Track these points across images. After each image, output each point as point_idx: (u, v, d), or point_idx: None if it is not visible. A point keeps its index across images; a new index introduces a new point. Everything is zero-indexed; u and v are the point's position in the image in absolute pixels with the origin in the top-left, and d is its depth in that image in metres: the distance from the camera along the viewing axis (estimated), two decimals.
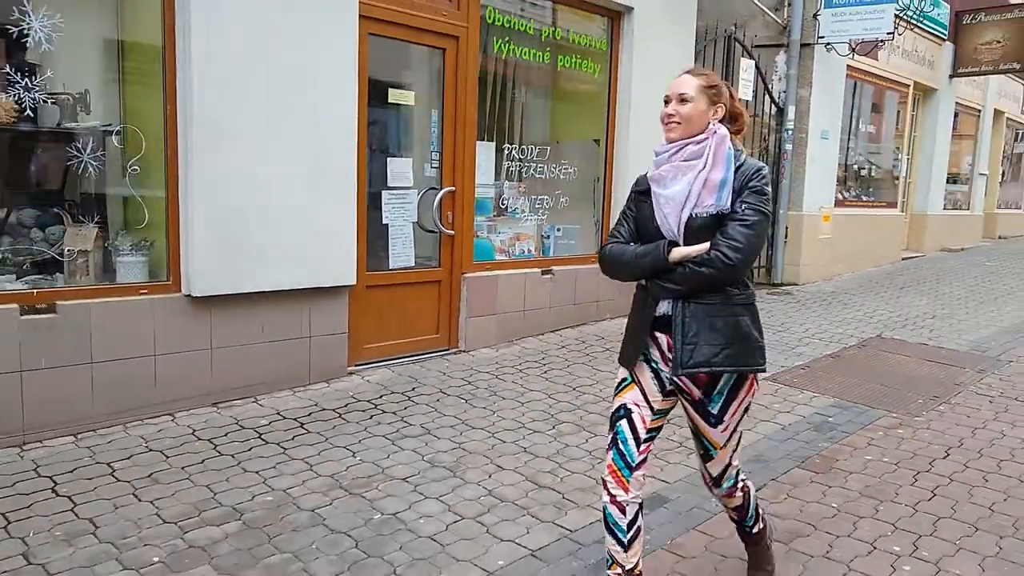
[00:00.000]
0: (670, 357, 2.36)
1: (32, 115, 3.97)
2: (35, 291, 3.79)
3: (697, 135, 2.34)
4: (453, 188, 5.61)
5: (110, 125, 4.23)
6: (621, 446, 2.39)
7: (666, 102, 2.39)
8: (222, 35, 4.10)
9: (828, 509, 3.42)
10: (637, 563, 2.41)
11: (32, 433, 3.74)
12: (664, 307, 2.39)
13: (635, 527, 2.37)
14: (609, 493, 2.38)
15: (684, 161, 2.33)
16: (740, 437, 2.52)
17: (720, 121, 2.39)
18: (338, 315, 4.88)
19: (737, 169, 2.32)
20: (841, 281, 9.83)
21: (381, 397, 4.69)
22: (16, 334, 3.67)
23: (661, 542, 3.05)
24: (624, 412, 2.42)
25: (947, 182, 13.80)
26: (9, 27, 3.79)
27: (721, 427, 2.43)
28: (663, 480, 3.64)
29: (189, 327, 4.23)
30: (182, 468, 3.59)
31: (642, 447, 2.38)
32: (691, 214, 2.31)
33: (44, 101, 3.94)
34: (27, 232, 4.11)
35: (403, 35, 5.21)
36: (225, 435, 3.99)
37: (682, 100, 2.35)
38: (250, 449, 3.84)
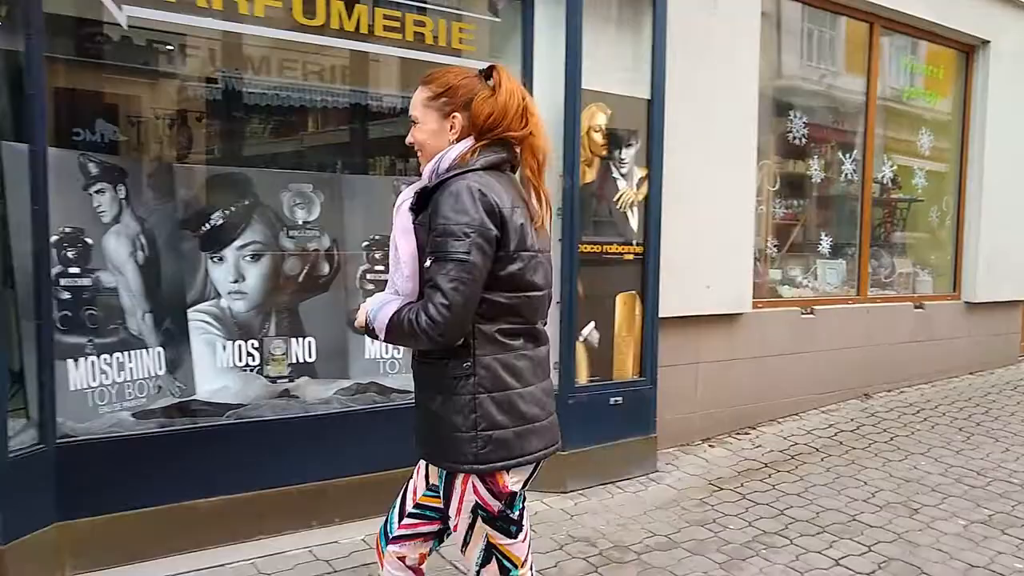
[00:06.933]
0: None
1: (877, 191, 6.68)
2: (916, 295, 6.43)
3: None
4: None
5: (912, 196, 6.85)
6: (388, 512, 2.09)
7: None
8: (999, 155, 6.65)
9: None
10: None
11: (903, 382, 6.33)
12: None
13: None
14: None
15: None
16: (484, 554, 1.92)
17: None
18: None
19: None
20: None
21: None
22: (911, 321, 6.30)
23: None
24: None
25: None
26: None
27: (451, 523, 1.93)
28: None
29: (962, 323, 6.74)
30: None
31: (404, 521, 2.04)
32: None
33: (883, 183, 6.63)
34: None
35: None
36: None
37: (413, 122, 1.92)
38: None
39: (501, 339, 1.84)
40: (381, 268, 4.11)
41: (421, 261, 1.81)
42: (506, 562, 1.93)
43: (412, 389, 3.84)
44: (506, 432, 1.82)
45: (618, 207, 4.24)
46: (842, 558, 3.42)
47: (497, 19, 4.05)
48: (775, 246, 5.73)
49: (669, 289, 4.47)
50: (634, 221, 4.30)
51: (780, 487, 4.25)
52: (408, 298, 1.84)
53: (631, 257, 4.29)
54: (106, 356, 3.31)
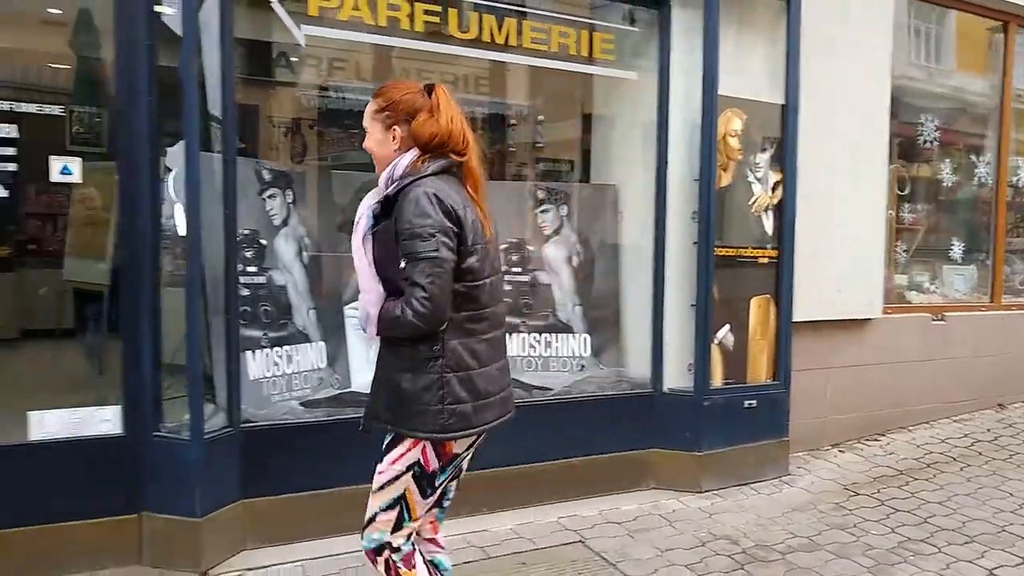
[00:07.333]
0: None
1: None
2: None
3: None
4: None
5: None
6: None
7: None
8: None
9: None
10: None
11: None
12: None
13: None
14: None
15: None
16: (390, 510, 2.13)
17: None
18: None
19: None
20: None
21: None
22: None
23: None
24: None
25: None
26: None
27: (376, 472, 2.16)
28: None
29: None
30: None
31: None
32: None
33: None
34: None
35: None
36: None
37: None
38: None
39: (467, 325, 2.07)
40: (518, 269, 4.27)
41: (379, 266, 2.04)
42: (406, 512, 2.14)
43: (549, 386, 4.03)
44: (466, 407, 2.06)
45: (753, 211, 4.27)
46: (996, 568, 3.36)
47: (635, 28, 4.16)
48: (903, 251, 5.62)
49: (800, 293, 4.46)
50: (768, 225, 4.32)
51: (920, 495, 4.18)
52: (378, 297, 2.06)
53: (766, 261, 4.31)
54: (278, 349, 3.57)
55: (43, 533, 2.95)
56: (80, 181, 3.07)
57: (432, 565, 2.30)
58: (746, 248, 4.25)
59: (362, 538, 2.18)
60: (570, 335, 4.31)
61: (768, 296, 4.34)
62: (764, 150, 4.28)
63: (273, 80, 4.41)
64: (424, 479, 2.12)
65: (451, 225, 1.99)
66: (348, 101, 4.44)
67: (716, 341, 4.18)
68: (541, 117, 5.05)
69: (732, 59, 4.12)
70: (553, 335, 4.29)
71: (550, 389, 4.07)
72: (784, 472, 4.42)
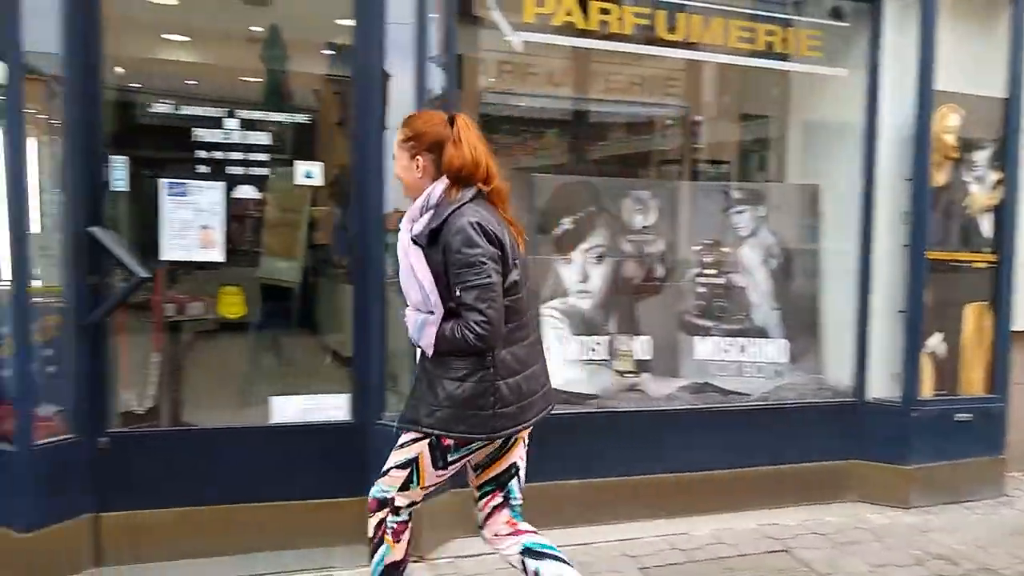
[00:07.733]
0: None
1: None
2: None
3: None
4: None
5: None
6: None
7: None
8: None
9: None
10: None
11: None
12: None
13: None
14: None
15: None
16: (402, 468, 2.28)
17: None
18: None
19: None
20: None
21: None
22: None
23: None
24: None
25: None
26: None
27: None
28: None
29: None
30: None
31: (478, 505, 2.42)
32: None
33: None
34: None
35: None
36: None
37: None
38: None
39: (512, 335, 2.18)
40: (712, 271, 4.22)
41: (438, 282, 2.13)
42: (415, 475, 2.27)
43: (746, 391, 3.96)
44: (513, 408, 2.18)
45: (969, 212, 4.02)
46: None
47: (844, 24, 4.01)
48: None
49: (1020, 300, 4.15)
50: (986, 227, 4.05)
51: None
52: (428, 311, 2.15)
53: (983, 265, 4.05)
54: None
55: (279, 510, 3.19)
56: (322, 184, 3.31)
57: (531, 549, 2.29)
58: (961, 252, 4.01)
59: (373, 484, 2.35)
60: (766, 340, 4.21)
61: (985, 303, 4.07)
62: (983, 148, 4.02)
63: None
64: (438, 450, 2.24)
65: (496, 250, 2.11)
66: (521, 107, 4.52)
67: (927, 350, 3.97)
68: (700, 117, 4.94)
69: (948, 51, 3.89)
70: (748, 339, 4.21)
71: (747, 395, 3.99)
72: (999, 492, 4.13)
